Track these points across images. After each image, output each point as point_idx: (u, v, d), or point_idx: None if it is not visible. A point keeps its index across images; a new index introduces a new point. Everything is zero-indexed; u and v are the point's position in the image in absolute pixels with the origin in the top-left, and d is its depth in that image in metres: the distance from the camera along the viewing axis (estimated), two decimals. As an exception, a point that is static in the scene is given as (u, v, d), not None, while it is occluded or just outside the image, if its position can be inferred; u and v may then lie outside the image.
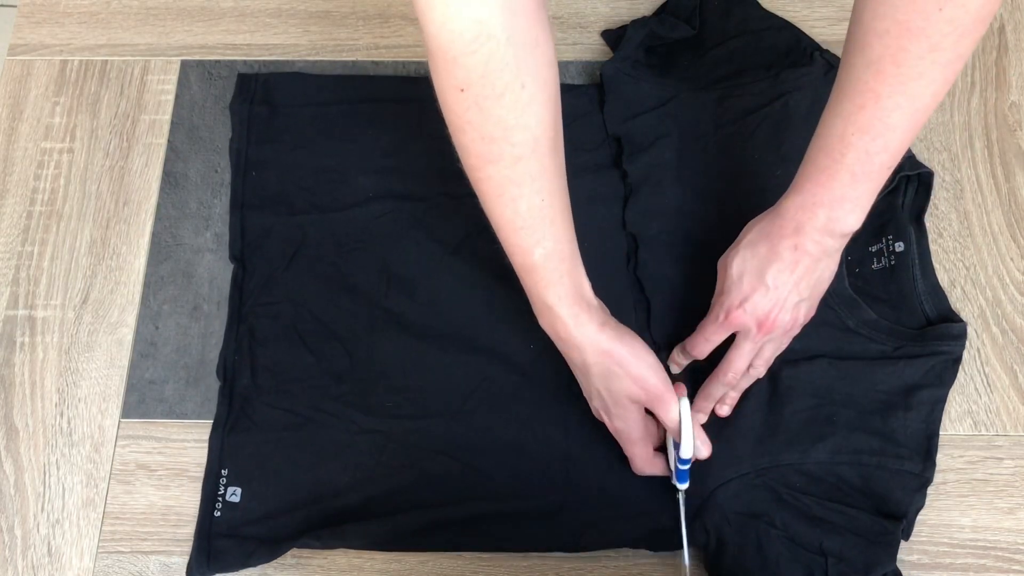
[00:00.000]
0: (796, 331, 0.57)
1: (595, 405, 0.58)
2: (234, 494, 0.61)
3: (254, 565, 0.60)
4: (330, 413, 0.63)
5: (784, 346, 0.59)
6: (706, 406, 0.60)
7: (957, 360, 0.62)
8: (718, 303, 0.57)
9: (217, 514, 0.61)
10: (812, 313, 0.57)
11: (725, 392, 0.60)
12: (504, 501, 0.61)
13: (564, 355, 0.57)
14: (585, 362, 0.55)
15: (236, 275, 0.67)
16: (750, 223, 0.57)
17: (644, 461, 0.59)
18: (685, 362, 0.62)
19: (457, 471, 0.61)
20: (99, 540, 0.62)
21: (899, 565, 0.59)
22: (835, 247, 0.54)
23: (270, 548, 0.59)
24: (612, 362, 0.55)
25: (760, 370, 0.59)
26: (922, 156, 0.70)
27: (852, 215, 0.52)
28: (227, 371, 0.64)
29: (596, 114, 0.71)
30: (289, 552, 0.61)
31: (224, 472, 0.62)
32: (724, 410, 0.60)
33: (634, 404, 0.56)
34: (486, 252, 0.66)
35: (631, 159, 0.68)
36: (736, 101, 0.69)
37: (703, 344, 0.58)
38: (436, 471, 0.61)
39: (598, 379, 0.56)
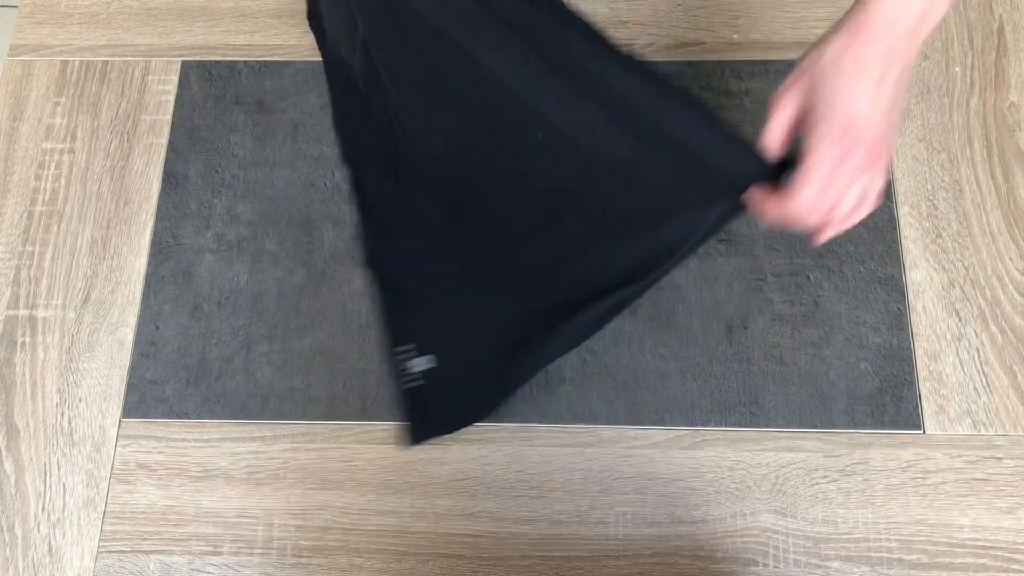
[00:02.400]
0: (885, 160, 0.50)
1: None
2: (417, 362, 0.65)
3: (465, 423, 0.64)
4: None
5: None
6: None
7: None
8: (818, 134, 0.49)
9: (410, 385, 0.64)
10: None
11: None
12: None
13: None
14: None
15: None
16: (826, 38, 0.49)
17: None
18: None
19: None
20: (99, 540, 0.62)
21: (898, 565, 0.60)
22: (918, 47, 0.48)
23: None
24: None
25: (874, 201, 0.52)
26: (921, 156, 0.70)
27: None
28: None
29: None
30: (289, 551, 0.61)
31: (402, 349, 0.65)
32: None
33: None
34: None
35: None
36: None
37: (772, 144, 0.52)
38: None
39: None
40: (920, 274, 0.67)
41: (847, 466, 0.62)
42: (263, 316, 0.67)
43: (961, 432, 0.63)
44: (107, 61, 0.75)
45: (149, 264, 0.69)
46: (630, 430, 0.64)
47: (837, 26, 0.50)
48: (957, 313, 0.66)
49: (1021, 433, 0.63)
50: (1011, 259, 0.67)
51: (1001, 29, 0.74)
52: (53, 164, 0.72)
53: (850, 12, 0.49)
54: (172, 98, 0.74)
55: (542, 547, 0.61)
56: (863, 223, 0.67)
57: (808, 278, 0.67)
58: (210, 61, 0.75)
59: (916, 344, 0.65)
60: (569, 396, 0.65)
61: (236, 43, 0.76)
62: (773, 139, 0.51)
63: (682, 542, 0.61)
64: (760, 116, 0.71)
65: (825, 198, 0.50)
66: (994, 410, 0.63)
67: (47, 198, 0.71)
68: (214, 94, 0.74)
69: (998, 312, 0.66)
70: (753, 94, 0.73)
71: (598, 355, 0.66)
